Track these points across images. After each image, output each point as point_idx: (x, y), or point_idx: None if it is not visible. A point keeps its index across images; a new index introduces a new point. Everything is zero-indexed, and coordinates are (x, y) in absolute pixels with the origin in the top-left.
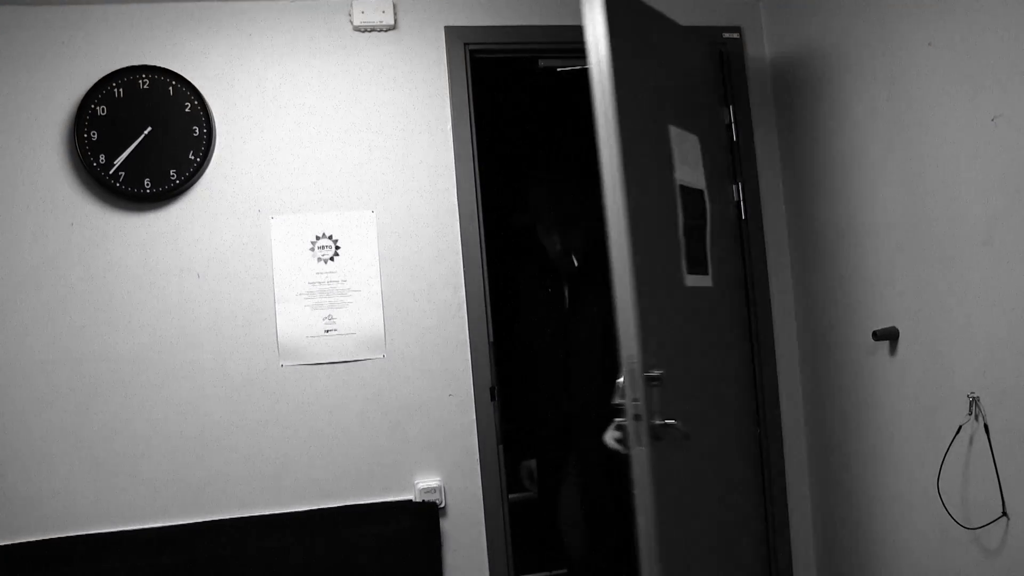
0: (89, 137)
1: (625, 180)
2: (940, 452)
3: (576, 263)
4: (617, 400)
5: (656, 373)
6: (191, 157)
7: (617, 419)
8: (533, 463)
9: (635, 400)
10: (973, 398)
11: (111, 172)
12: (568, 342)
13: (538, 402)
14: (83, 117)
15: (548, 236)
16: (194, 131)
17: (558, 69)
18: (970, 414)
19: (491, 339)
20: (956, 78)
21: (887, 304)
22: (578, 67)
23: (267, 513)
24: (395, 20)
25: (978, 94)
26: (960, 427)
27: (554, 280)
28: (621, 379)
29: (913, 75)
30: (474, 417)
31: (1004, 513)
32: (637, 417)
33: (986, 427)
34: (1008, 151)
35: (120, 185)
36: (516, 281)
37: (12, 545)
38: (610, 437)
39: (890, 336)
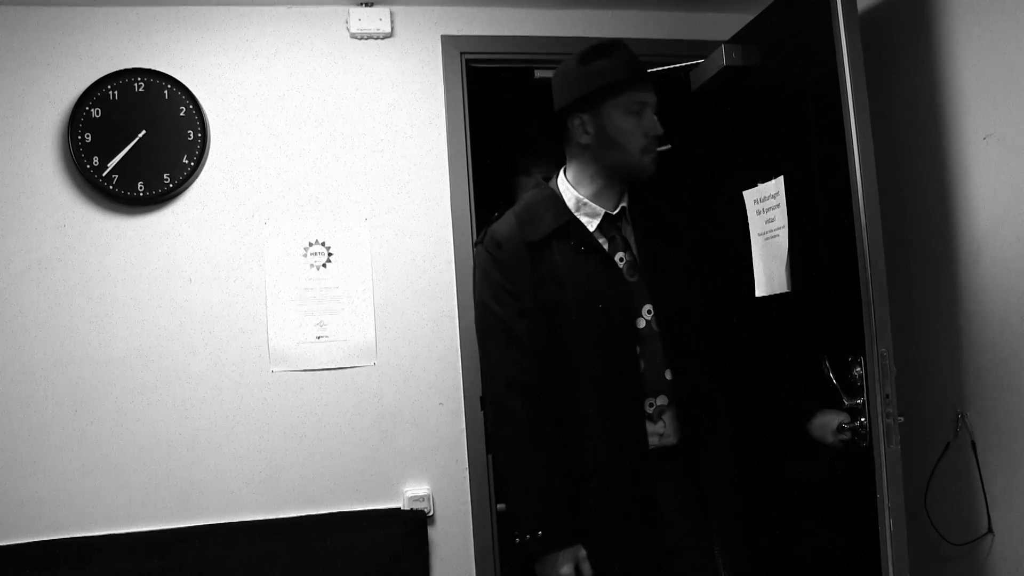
0: (83, 139)
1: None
2: (928, 468)
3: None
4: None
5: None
6: (185, 161)
7: (824, 412)
8: None
9: (887, 395)
10: (960, 415)
11: (104, 175)
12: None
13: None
14: (77, 119)
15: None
16: (188, 135)
17: None
18: (957, 431)
19: None
20: (948, 95)
21: None
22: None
23: (255, 519)
24: (392, 28)
25: (969, 112)
26: (948, 444)
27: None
28: (829, 369)
29: (904, 90)
30: (464, 427)
31: (990, 530)
32: (889, 415)
33: (973, 444)
34: (998, 169)
35: (113, 188)
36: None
37: None
38: (828, 432)
39: None
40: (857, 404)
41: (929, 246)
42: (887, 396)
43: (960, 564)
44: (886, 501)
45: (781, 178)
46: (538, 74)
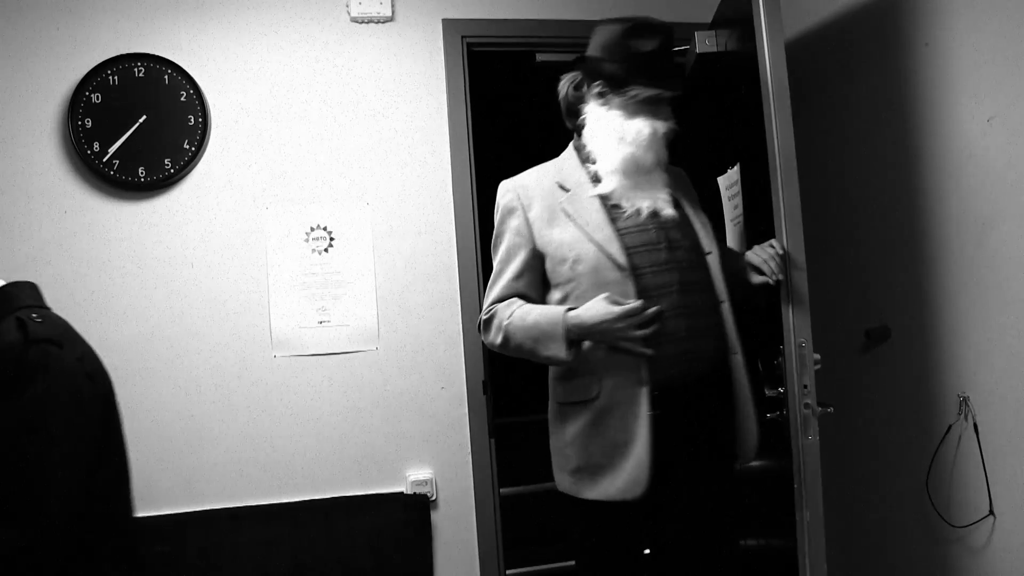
0: (83, 125)
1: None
2: (930, 451)
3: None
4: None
5: (817, 356)
6: (186, 146)
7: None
8: None
9: (805, 387)
10: (963, 398)
11: (105, 160)
12: None
13: None
14: (77, 104)
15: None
16: (189, 120)
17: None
18: (960, 414)
19: None
20: (954, 76)
21: (880, 302)
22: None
23: (258, 504)
24: (392, 11)
25: (974, 95)
26: (950, 426)
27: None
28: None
29: (911, 74)
30: (466, 410)
31: (991, 512)
32: (807, 406)
33: (975, 427)
34: (1003, 151)
35: (114, 173)
36: None
37: None
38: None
39: (883, 335)
40: (779, 393)
41: (934, 228)
42: (805, 387)
43: (961, 546)
44: (804, 492)
45: (738, 166)
46: (539, 58)
